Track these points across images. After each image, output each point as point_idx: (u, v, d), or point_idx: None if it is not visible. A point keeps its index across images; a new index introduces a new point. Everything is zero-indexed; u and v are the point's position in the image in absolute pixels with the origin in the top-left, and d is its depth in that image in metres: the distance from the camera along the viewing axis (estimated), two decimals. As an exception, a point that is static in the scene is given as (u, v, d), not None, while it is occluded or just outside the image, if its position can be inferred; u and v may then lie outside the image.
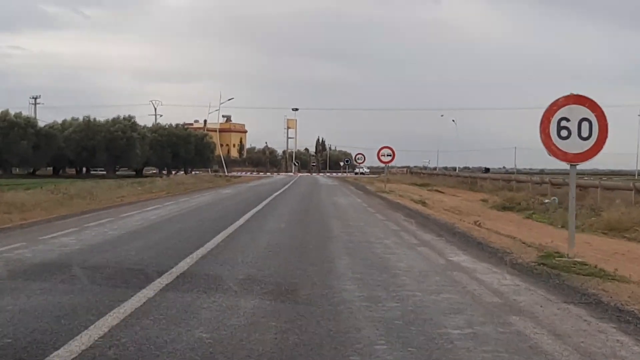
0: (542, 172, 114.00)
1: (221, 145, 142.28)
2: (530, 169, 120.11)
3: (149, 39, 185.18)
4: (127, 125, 71.73)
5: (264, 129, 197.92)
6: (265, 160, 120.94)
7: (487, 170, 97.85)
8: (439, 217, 17.87)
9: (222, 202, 25.24)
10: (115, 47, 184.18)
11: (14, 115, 66.96)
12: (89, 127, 71.13)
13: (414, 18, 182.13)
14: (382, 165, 41.11)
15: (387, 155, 36.74)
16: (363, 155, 53.10)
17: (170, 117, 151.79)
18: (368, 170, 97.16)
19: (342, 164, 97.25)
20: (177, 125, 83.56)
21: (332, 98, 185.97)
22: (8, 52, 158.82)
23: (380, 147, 36.85)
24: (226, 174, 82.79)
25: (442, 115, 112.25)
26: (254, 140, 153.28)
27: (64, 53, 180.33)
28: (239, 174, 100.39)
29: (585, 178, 39.68)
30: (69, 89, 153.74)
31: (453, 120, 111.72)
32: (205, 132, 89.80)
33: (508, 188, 44.04)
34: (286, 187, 41.34)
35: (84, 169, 76.34)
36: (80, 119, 72.51)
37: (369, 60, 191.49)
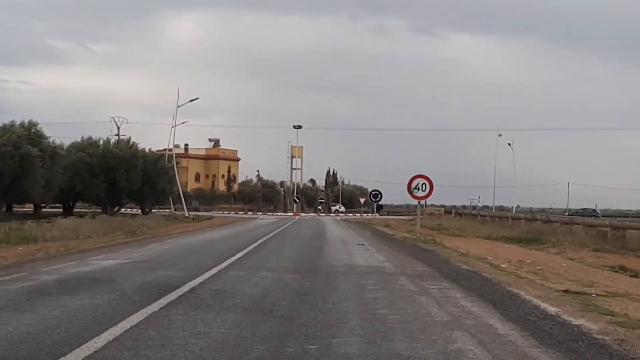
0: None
1: (206, 176, 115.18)
2: (550, 208, 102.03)
3: (155, 74, 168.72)
4: (23, 137, 45.10)
5: (266, 159, 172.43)
6: (257, 195, 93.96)
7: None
8: None
9: None
10: (123, 81, 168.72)
11: None
12: (-35, 140, 44.54)
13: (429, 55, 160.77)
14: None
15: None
16: (429, 180, 26.13)
17: (157, 145, 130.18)
18: (344, 209, 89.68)
19: (362, 200, 72.57)
20: (118, 141, 56.44)
21: (341, 128, 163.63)
22: (18, 87, 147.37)
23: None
24: (186, 214, 56.18)
25: (500, 135, 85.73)
26: (252, 171, 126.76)
27: (72, 88, 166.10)
28: (219, 213, 74.35)
29: None
30: (77, 124, 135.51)
31: (509, 144, 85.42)
32: (167, 152, 62.93)
33: None
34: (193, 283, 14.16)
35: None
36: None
37: (378, 95, 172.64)
